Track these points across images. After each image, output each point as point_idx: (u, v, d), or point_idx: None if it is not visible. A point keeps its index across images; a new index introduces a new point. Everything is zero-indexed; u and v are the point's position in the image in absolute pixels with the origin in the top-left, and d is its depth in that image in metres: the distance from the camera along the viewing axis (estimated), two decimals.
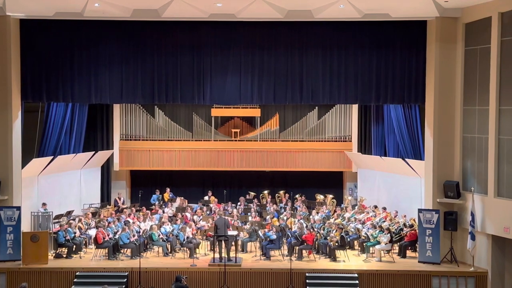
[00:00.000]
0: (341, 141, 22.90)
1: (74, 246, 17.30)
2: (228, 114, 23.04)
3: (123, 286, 15.73)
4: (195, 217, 19.69)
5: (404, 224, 18.15)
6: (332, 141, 22.92)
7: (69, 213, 19.23)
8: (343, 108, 22.80)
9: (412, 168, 18.90)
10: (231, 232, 17.05)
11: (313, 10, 16.85)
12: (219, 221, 16.78)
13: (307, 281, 15.87)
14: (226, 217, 17.89)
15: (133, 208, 20.42)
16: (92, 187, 21.95)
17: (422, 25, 17.37)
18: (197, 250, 17.60)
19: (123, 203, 21.86)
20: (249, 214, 20.15)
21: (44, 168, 19.09)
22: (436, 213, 16.76)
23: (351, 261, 16.98)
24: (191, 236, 17.65)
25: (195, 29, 17.69)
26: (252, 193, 22.38)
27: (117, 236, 17.32)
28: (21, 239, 16.61)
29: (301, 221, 18.45)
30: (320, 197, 22.16)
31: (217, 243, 16.66)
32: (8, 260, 16.59)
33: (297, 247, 17.09)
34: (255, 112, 22.85)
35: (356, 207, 20.75)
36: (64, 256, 17.16)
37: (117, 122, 22.75)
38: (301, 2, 16.32)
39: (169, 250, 17.58)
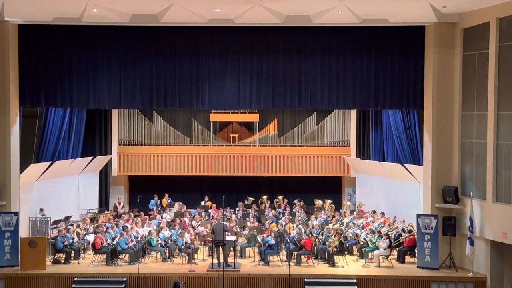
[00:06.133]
0: (339, 146, 22.89)
1: (72, 252, 17.27)
2: (227, 119, 23.03)
3: None
4: (193, 222, 19.68)
5: (403, 229, 18.14)
6: (331, 146, 22.91)
7: (67, 218, 19.19)
8: (342, 113, 22.81)
9: (411, 173, 18.89)
10: (230, 238, 17.04)
11: (312, 16, 16.88)
12: (217, 226, 16.76)
13: (306, 286, 15.84)
14: (225, 222, 17.86)
15: (131, 214, 20.40)
16: (90, 192, 21.92)
17: (421, 31, 17.41)
18: (195, 255, 17.57)
19: (122, 208, 21.83)
20: (247, 219, 20.13)
21: (42, 173, 19.06)
22: (435, 219, 16.75)
23: (349, 266, 16.96)
24: (189, 241, 17.63)
25: (194, 34, 17.71)
26: (251, 198, 22.36)
27: (115, 242, 17.29)
28: (19, 245, 16.56)
29: (300, 226, 18.43)
30: (318, 202, 22.17)
31: (214, 249, 16.64)
32: (6, 265, 16.56)
33: (295, 253, 17.07)
34: (254, 117, 22.84)
35: (355, 212, 20.75)
36: (62, 261, 17.12)
37: (115, 127, 22.73)
38: (300, 7, 16.34)
39: (168, 256, 17.56)
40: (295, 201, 21.91)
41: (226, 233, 16.82)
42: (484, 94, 15.99)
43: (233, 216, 20.29)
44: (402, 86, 17.72)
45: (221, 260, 16.48)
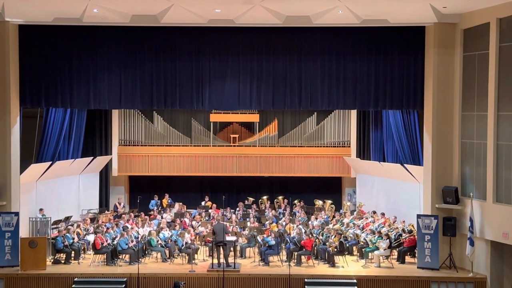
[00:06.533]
0: (339, 146, 22.88)
1: (73, 252, 17.28)
2: (227, 120, 23.03)
3: None
4: (193, 222, 19.68)
5: (403, 230, 18.14)
6: (331, 146, 22.90)
7: (67, 218, 19.19)
8: (342, 114, 22.81)
9: (411, 174, 18.89)
10: (230, 238, 17.05)
11: (312, 16, 16.89)
12: (217, 227, 16.77)
13: (306, 286, 15.85)
14: (225, 223, 17.87)
15: (131, 214, 20.41)
16: (91, 192, 21.92)
17: (421, 31, 17.41)
18: (195, 255, 17.57)
19: (123, 208, 21.84)
20: (247, 219, 20.13)
21: (43, 174, 19.06)
22: (435, 219, 16.75)
23: (350, 266, 16.97)
24: (189, 241, 17.63)
25: (194, 34, 17.72)
26: (251, 199, 22.36)
27: (115, 242, 17.29)
28: (19, 245, 16.57)
29: (300, 226, 18.43)
30: (319, 202, 22.16)
31: (215, 249, 16.64)
32: (6, 266, 16.56)
33: (296, 253, 17.07)
34: (254, 118, 22.84)
35: (355, 212, 20.74)
36: (62, 262, 17.13)
37: (116, 127, 22.73)
38: (300, 8, 16.34)
39: (168, 256, 17.56)
40: (295, 201, 21.90)
41: (226, 233, 16.85)
42: (484, 94, 16.00)
43: (233, 216, 20.29)
44: (402, 87, 17.72)
45: (221, 260, 16.49)
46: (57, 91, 17.70)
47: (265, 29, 17.56)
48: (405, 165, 19.19)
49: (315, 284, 15.91)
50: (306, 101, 17.95)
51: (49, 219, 18.10)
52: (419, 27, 17.35)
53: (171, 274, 16.09)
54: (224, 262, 16.42)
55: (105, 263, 16.99)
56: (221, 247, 16.54)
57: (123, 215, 20.18)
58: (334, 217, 20.71)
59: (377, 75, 17.70)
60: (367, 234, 17.99)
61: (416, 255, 17.27)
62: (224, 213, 20.58)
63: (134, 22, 17.15)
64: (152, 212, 21.26)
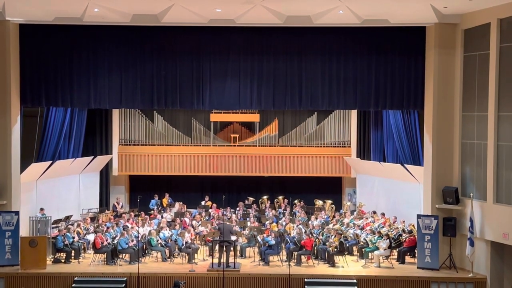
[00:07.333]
0: (340, 146, 22.88)
1: (73, 251, 17.28)
2: (227, 119, 23.04)
3: None
4: (194, 222, 19.67)
5: (403, 230, 18.15)
6: (331, 146, 22.90)
7: (67, 218, 19.20)
8: (342, 114, 22.80)
9: (411, 174, 18.90)
10: (231, 238, 17.05)
11: (312, 16, 16.89)
12: (223, 226, 16.80)
13: (306, 286, 15.85)
14: (229, 223, 17.88)
15: (131, 213, 20.41)
16: (91, 192, 21.92)
17: (421, 31, 17.41)
18: (195, 255, 17.57)
19: (121, 208, 21.84)
20: (248, 219, 20.13)
21: (43, 173, 19.07)
22: (435, 219, 16.76)
23: (349, 266, 16.97)
24: (189, 241, 17.63)
25: (195, 34, 17.72)
26: (251, 198, 22.36)
27: (115, 241, 17.29)
28: (20, 244, 16.58)
29: (300, 226, 18.43)
30: (319, 202, 22.16)
31: (219, 248, 16.64)
32: (6, 265, 16.56)
33: (296, 253, 17.07)
34: (254, 118, 22.84)
35: (355, 212, 20.74)
36: (63, 261, 17.14)
37: (116, 127, 22.73)
38: (300, 7, 16.34)
39: (168, 255, 17.57)
40: (296, 201, 21.90)
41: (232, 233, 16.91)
42: (485, 95, 16.00)
43: (234, 216, 20.29)
44: (403, 87, 17.73)
45: (222, 260, 16.48)
46: (58, 90, 17.72)
47: (266, 29, 17.56)
48: (405, 165, 19.19)
49: (315, 284, 15.91)
50: (306, 101, 17.97)
51: (49, 218, 18.10)
52: (420, 27, 17.35)
53: (171, 274, 16.10)
54: (224, 262, 16.43)
55: (105, 262, 17.00)
56: (224, 247, 16.54)
57: (124, 215, 20.18)
58: (334, 217, 20.72)
59: (378, 75, 17.71)
60: (367, 234, 17.99)
61: (416, 255, 17.27)
62: (224, 213, 20.56)
63: (135, 22, 17.16)
64: (152, 211, 21.26)
